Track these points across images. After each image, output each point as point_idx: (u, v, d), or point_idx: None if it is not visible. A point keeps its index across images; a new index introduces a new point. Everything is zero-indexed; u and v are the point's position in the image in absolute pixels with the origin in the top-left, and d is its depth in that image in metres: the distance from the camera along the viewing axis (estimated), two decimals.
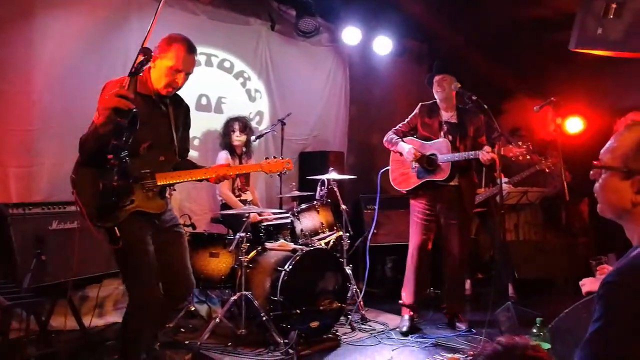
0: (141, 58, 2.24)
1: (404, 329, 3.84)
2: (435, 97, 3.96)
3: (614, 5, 3.63)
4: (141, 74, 2.39)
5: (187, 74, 2.55)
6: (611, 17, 3.64)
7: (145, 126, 2.38)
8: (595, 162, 1.35)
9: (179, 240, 2.74)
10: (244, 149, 4.39)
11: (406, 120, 4.08)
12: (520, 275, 5.08)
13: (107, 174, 2.25)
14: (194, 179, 2.64)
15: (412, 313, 3.94)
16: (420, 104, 4.06)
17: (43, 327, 3.36)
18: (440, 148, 3.85)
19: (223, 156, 4.32)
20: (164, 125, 2.60)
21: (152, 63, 2.46)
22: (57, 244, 3.33)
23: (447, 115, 3.96)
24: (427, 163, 3.87)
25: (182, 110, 2.74)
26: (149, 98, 2.55)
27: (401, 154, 3.96)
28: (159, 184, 2.53)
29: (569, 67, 5.72)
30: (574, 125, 6.21)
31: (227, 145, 4.33)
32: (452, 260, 3.95)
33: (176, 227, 2.76)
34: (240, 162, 4.36)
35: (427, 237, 3.93)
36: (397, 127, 4.09)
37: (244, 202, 4.31)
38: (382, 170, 4.25)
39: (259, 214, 4.25)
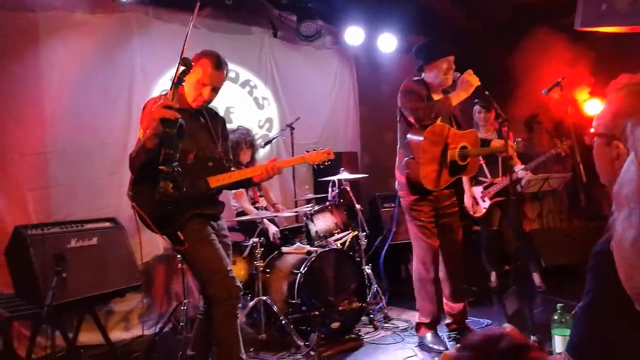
0: (182, 68, 2.35)
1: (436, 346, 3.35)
2: (438, 80, 3.36)
3: None
4: (182, 85, 2.51)
5: (214, 88, 2.62)
6: None
7: (188, 137, 2.49)
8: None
9: (227, 251, 2.74)
10: (248, 161, 4.41)
11: (414, 93, 3.33)
12: (547, 263, 4.95)
13: (159, 185, 2.33)
14: (244, 177, 2.69)
15: (433, 330, 3.45)
16: (408, 81, 3.42)
17: (70, 343, 3.45)
18: (471, 140, 3.43)
19: None
20: (205, 136, 2.70)
21: (185, 77, 2.50)
22: (77, 261, 3.41)
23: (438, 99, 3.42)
24: (461, 157, 3.37)
25: (218, 122, 2.82)
26: (186, 111, 2.62)
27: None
28: (212, 186, 2.60)
29: (580, 48, 5.60)
30: (593, 106, 6.05)
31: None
32: (451, 262, 3.49)
33: (226, 238, 2.80)
34: None
35: (436, 243, 3.43)
36: (416, 100, 3.27)
37: (258, 209, 4.33)
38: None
39: (274, 216, 4.25)
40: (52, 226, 3.43)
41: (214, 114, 2.84)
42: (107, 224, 3.76)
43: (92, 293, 3.45)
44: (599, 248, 1.12)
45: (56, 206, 3.90)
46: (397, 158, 3.52)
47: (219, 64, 2.60)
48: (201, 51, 2.64)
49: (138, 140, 2.46)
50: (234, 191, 4.29)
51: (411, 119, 3.30)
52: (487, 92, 3.26)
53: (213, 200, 2.69)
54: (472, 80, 3.24)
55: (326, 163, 3.04)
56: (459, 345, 0.97)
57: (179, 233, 2.45)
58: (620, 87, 1.28)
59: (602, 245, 1.13)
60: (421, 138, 3.23)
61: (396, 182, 3.54)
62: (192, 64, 2.45)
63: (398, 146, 3.52)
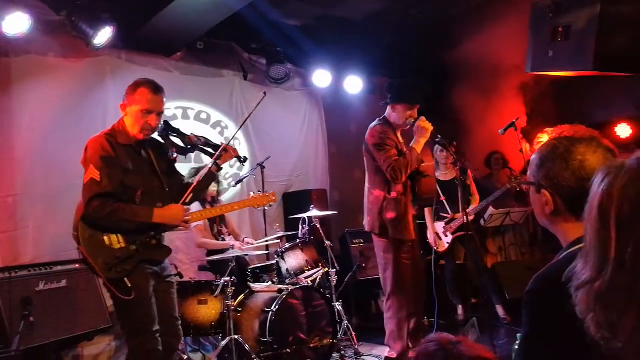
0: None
1: None
2: (400, 121, 3.62)
3: (560, 29, 3.86)
4: (117, 128, 2.64)
5: (159, 113, 2.62)
6: (559, 40, 3.87)
7: (134, 174, 2.54)
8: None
9: (171, 290, 2.76)
10: (214, 197, 4.46)
11: (387, 144, 3.50)
12: (511, 295, 5.11)
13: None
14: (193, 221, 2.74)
15: None
16: (379, 125, 3.64)
17: None
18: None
19: (194, 207, 4.35)
20: (150, 172, 2.68)
21: (124, 111, 2.61)
22: (45, 304, 3.38)
23: (399, 141, 3.68)
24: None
25: (162, 150, 2.81)
26: (130, 147, 2.65)
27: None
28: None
29: (536, 90, 5.98)
30: None
31: None
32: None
33: (169, 277, 2.79)
34: None
35: None
36: (390, 155, 3.45)
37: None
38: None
39: (242, 250, 4.29)
40: (20, 269, 3.40)
41: (156, 144, 2.80)
42: (77, 265, 3.73)
43: (60, 337, 3.41)
44: (530, 286, 1.20)
45: (24, 248, 3.85)
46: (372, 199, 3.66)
47: (156, 89, 2.61)
48: (133, 82, 2.64)
49: (89, 181, 2.45)
50: (195, 224, 4.33)
51: (387, 175, 3.47)
52: (439, 136, 3.48)
53: (160, 245, 2.66)
54: (426, 126, 3.50)
55: (270, 205, 3.14)
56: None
57: (126, 280, 2.43)
58: (544, 139, 1.41)
59: (532, 284, 1.20)
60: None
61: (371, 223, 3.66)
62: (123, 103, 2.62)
63: (372, 187, 3.67)
